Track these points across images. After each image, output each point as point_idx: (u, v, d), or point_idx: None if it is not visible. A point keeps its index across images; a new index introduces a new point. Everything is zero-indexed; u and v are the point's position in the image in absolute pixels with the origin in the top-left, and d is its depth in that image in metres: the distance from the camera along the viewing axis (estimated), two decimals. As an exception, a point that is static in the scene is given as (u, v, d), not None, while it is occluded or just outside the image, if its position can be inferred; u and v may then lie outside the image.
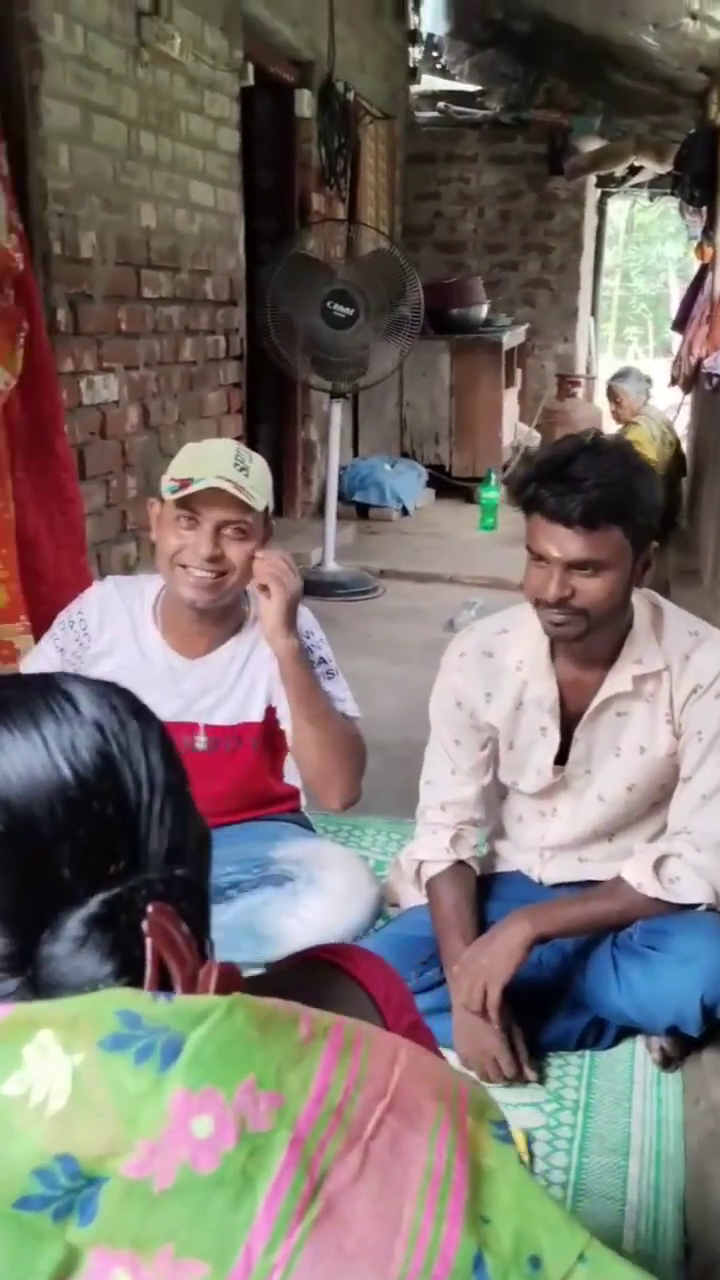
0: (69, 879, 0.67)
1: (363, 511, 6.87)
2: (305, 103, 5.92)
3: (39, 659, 2.11)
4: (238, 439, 5.53)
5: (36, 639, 3.13)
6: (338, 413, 5.55)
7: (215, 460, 1.88)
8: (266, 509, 1.94)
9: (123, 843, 0.69)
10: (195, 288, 4.79)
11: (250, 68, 5.07)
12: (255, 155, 5.60)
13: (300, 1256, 0.63)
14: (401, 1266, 0.65)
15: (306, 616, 2.07)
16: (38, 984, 0.67)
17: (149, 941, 0.67)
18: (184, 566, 1.89)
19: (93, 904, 0.67)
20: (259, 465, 1.93)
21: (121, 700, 0.76)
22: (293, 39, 5.67)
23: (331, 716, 1.96)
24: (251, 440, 5.85)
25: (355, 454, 7.44)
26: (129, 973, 0.68)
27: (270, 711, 2.05)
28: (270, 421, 6.44)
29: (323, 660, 2.04)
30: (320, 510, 5.84)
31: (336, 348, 5.06)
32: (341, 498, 6.01)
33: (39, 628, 3.14)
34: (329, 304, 4.89)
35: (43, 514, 3.31)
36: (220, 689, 2.03)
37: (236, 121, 5.06)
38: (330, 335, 4.99)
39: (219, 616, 2.01)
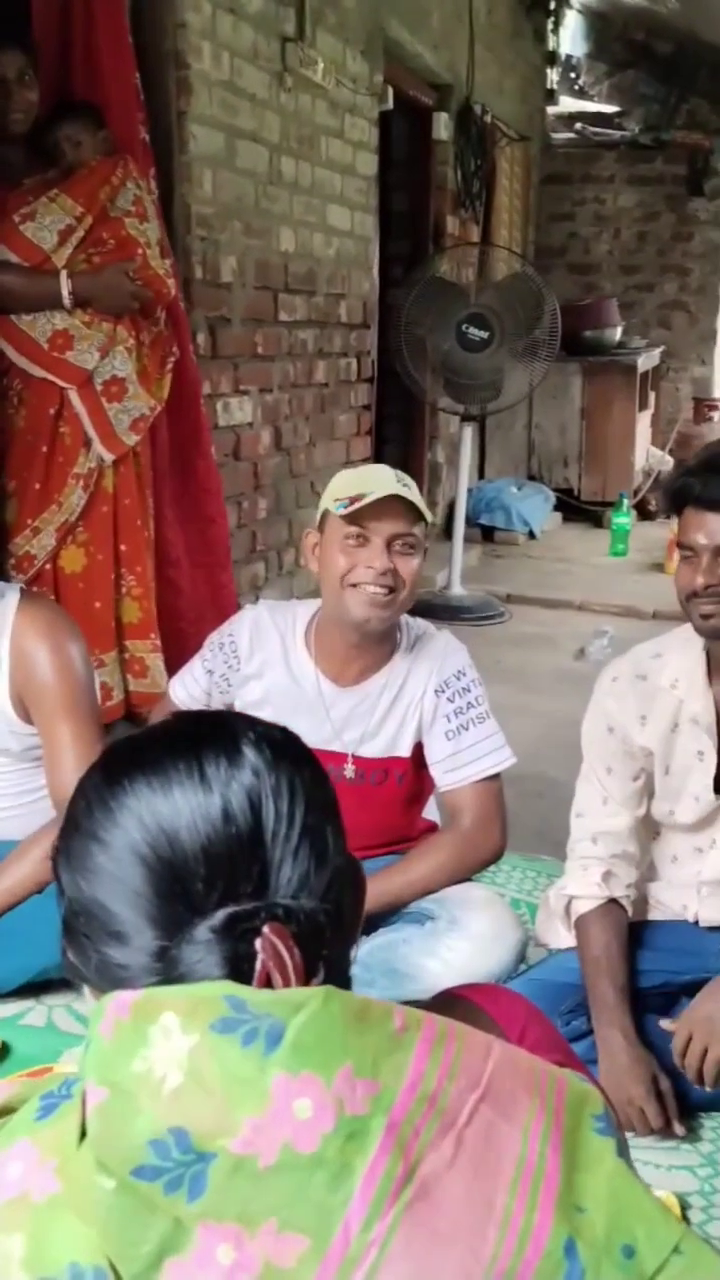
0: (201, 891, 0.75)
1: (488, 534, 6.81)
2: (443, 125, 5.91)
3: (187, 679, 2.12)
4: (365, 460, 5.53)
5: (166, 657, 3.17)
6: (468, 436, 5.50)
7: (380, 478, 1.90)
8: (424, 527, 1.94)
9: (254, 869, 0.76)
10: (330, 311, 4.81)
11: (390, 91, 5.08)
12: (390, 178, 5.61)
13: (395, 1236, 0.67)
14: (494, 1248, 0.68)
15: (462, 655, 2.03)
16: (169, 980, 0.74)
17: (260, 958, 0.73)
18: (355, 585, 1.89)
19: (219, 916, 0.74)
20: (410, 482, 1.95)
21: (279, 746, 0.82)
22: (432, 62, 5.66)
23: (432, 872, 2.01)
24: (378, 461, 5.84)
25: (481, 476, 7.38)
26: (239, 983, 0.74)
27: (419, 748, 2.01)
28: (397, 443, 6.42)
29: (472, 704, 2.00)
30: (446, 533, 5.79)
31: (470, 371, 5.02)
32: (467, 520, 5.96)
33: (175, 645, 3.18)
34: (464, 327, 4.85)
35: (184, 533, 3.35)
36: (370, 719, 2.01)
37: (375, 145, 5.07)
38: (464, 358, 4.95)
39: (376, 640, 1.99)
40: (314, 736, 2.02)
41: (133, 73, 3.15)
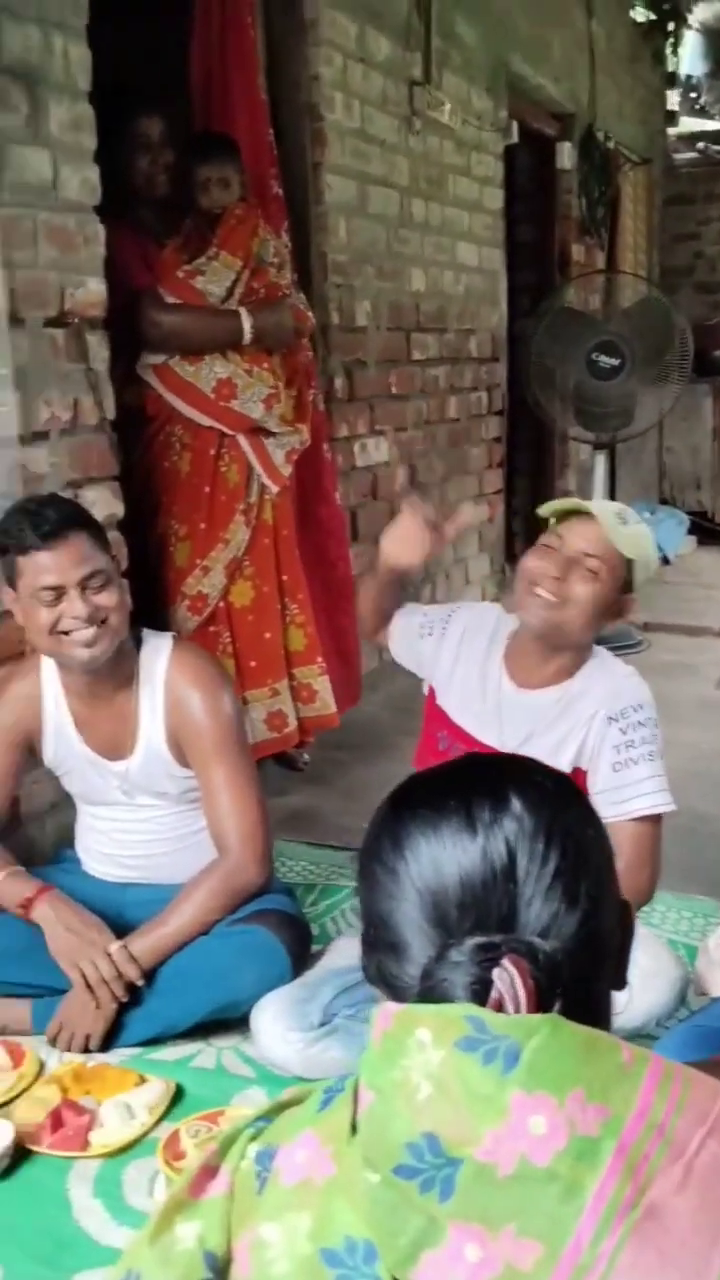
0: (456, 919, 0.83)
1: (622, 561, 6.71)
2: (566, 155, 5.91)
3: (418, 614, 2.24)
4: (497, 492, 5.54)
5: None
6: (601, 464, 5.45)
7: (600, 505, 1.99)
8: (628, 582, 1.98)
9: (504, 905, 0.83)
10: (460, 346, 4.84)
11: (514, 125, 5.11)
12: (516, 210, 5.62)
13: (623, 1252, 0.72)
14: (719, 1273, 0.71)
15: (644, 691, 2.01)
16: (426, 996, 0.81)
17: (496, 986, 0.79)
18: (531, 585, 1.95)
19: (468, 944, 0.81)
20: (642, 529, 1.99)
21: (546, 794, 0.89)
22: (555, 93, 5.68)
23: None
24: (509, 491, 5.84)
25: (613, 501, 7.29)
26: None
27: (578, 774, 2.00)
28: (527, 473, 6.41)
29: (645, 740, 1.99)
30: (580, 562, 5.75)
31: (601, 399, 4.98)
32: (602, 548, 5.90)
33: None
34: (594, 355, 4.81)
35: (315, 574, 3.39)
36: (535, 725, 2.03)
37: (500, 179, 5.10)
38: (595, 387, 4.91)
39: (559, 649, 2.02)
40: (478, 726, 2.10)
41: (267, 128, 3.25)
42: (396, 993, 0.85)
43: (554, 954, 0.82)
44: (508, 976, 0.79)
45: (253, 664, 3.11)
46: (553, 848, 0.85)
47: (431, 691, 2.21)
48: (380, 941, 0.88)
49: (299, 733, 3.23)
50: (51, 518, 1.96)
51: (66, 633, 1.99)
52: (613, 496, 7.28)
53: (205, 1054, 2.09)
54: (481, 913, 0.83)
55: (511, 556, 5.99)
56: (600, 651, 2.09)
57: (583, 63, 6.01)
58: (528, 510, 6.59)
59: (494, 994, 0.79)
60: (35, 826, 2.53)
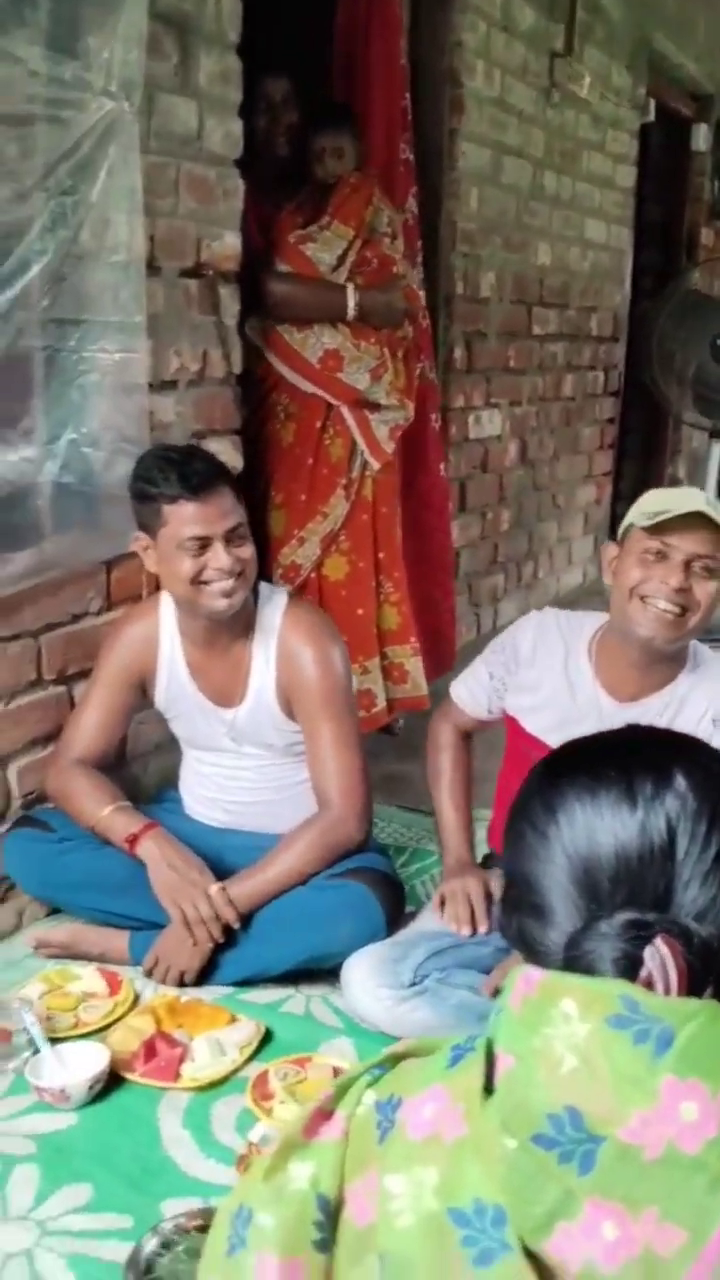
0: (608, 891, 0.82)
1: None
2: (701, 137, 5.80)
3: (469, 680, 2.16)
4: (606, 474, 5.47)
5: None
6: (715, 453, 5.35)
7: (691, 497, 1.86)
8: None
9: (660, 884, 0.82)
10: (581, 324, 4.78)
11: (651, 104, 5.02)
12: (645, 189, 5.53)
13: None
14: None
15: None
16: (569, 964, 0.82)
17: (646, 964, 0.78)
18: (644, 599, 1.85)
19: (619, 918, 0.81)
20: None
21: (713, 781, 0.86)
22: (695, 73, 5.56)
23: None
24: (617, 475, 5.77)
25: (721, 494, 7.16)
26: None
27: None
28: (636, 457, 6.32)
29: None
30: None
31: (722, 386, 4.88)
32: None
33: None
34: (719, 341, 4.72)
35: (411, 544, 3.38)
36: None
37: (634, 157, 5.02)
38: (717, 373, 4.82)
39: (661, 660, 1.94)
40: None
41: (403, 93, 3.23)
42: (536, 957, 0.86)
43: (710, 939, 0.80)
44: (659, 956, 0.78)
45: (344, 639, 3.10)
46: (715, 831, 0.83)
47: (511, 720, 2.12)
48: (523, 903, 0.88)
49: (387, 712, 3.22)
50: (200, 470, 1.98)
51: (207, 583, 2.03)
52: (722, 488, 7.15)
53: (295, 1000, 2.12)
54: (635, 888, 0.82)
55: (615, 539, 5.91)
56: (697, 648, 2.01)
57: (726, 41, 5.87)
58: (634, 494, 6.48)
59: (643, 973, 0.78)
60: (139, 766, 2.58)
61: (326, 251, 2.98)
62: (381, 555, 3.16)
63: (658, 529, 1.82)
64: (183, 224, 2.48)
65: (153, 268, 2.39)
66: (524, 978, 0.81)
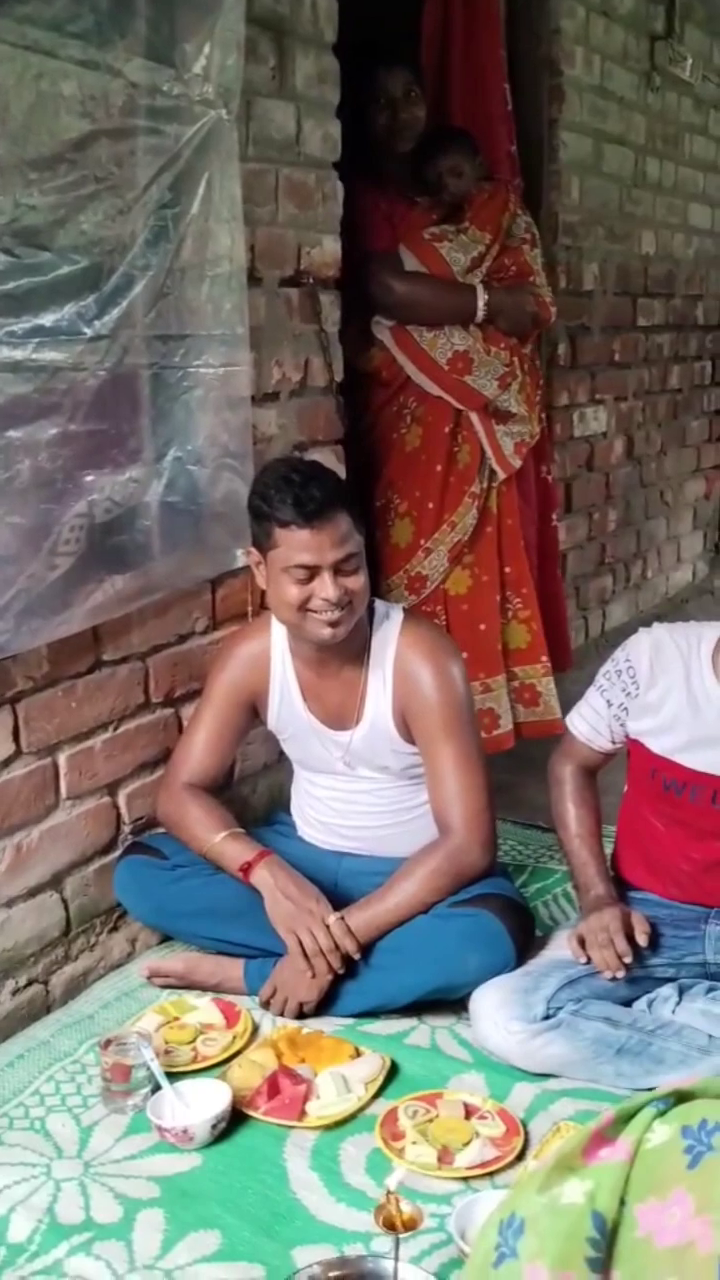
0: None
1: None
2: None
3: (585, 711, 2.05)
4: (715, 467, 5.30)
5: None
6: None
7: None
8: None
9: None
10: (686, 313, 4.63)
11: (756, 81, 4.83)
12: (749, 171, 5.34)
13: None
14: None
15: None
16: None
17: None
18: None
19: None
20: None
21: None
22: None
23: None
24: (722, 468, 5.59)
25: None
26: None
27: None
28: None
29: None
30: None
31: None
32: None
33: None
34: None
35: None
36: None
37: (738, 139, 4.84)
38: None
39: None
40: None
41: (504, 85, 3.13)
42: None
43: None
44: None
45: (464, 655, 3.01)
46: None
47: (635, 744, 2.01)
48: None
49: (514, 735, 3.09)
50: (317, 497, 1.91)
51: (313, 611, 1.96)
52: None
53: (419, 1032, 2.04)
54: None
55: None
56: None
57: None
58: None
59: None
60: (247, 787, 2.53)
61: (461, 252, 2.90)
62: (508, 570, 3.04)
63: None
64: (282, 231, 2.43)
65: (253, 278, 2.34)
66: None
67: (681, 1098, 0.91)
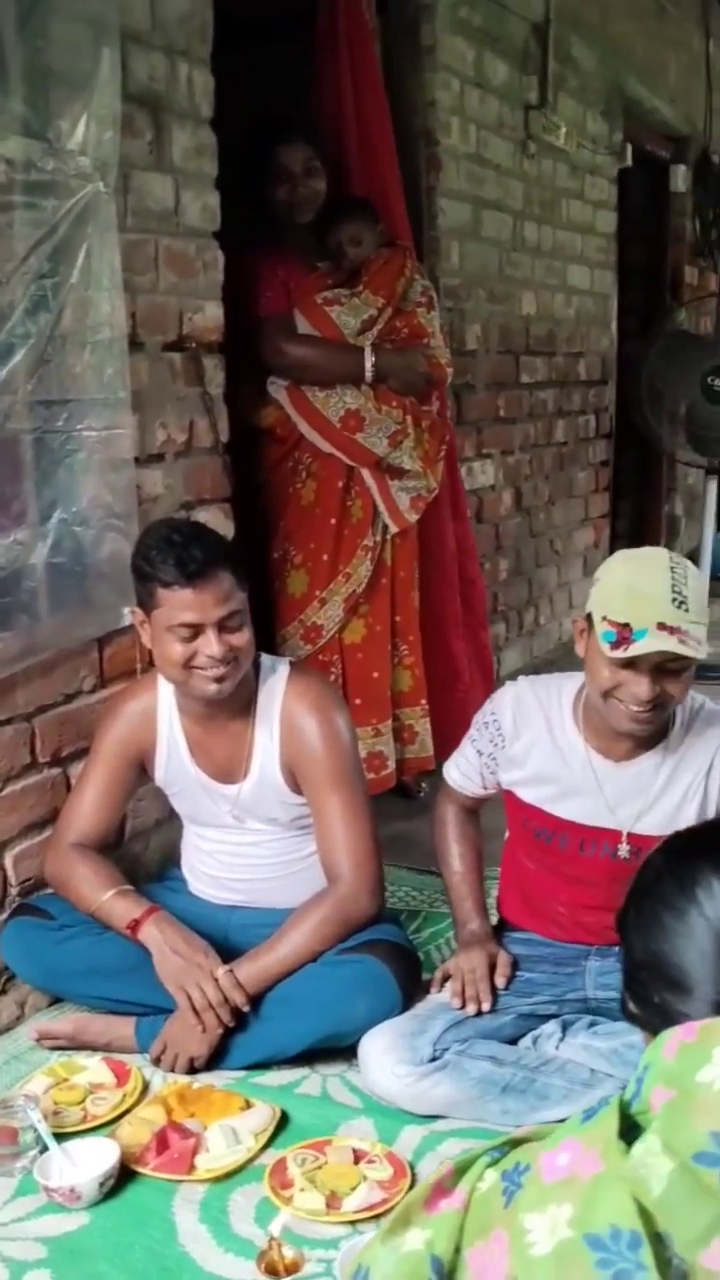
0: (716, 976, 0.93)
1: (729, 589, 6.57)
2: (680, 177, 5.84)
3: (460, 760, 2.12)
4: (603, 516, 5.46)
5: (445, 722, 3.21)
6: (713, 490, 5.34)
7: (652, 602, 1.74)
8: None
9: None
10: (569, 369, 4.80)
11: (629, 148, 5.06)
12: (627, 231, 5.55)
13: None
14: None
15: None
16: None
17: None
18: (620, 702, 1.83)
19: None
20: (694, 584, 1.78)
21: None
22: (670, 116, 5.61)
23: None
24: (614, 515, 5.76)
25: (720, 528, 7.15)
26: None
27: None
28: (632, 495, 6.31)
29: None
30: (687, 588, 5.63)
31: (715, 423, 4.87)
32: (710, 576, 5.77)
33: (455, 710, 3.22)
34: (710, 379, 4.72)
35: (448, 596, 3.40)
36: (646, 796, 1.95)
37: (614, 203, 5.06)
38: (709, 411, 4.82)
39: None
40: (587, 814, 1.98)
41: (394, 154, 3.26)
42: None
43: None
44: None
45: (358, 701, 3.10)
46: None
47: (508, 793, 2.08)
48: (660, 980, 0.95)
49: (396, 774, 3.21)
50: (198, 557, 1.95)
51: (198, 668, 2.00)
52: (720, 522, 7.13)
53: (310, 1080, 2.07)
54: None
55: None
56: (689, 696, 1.96)
57: (699, 85, 5.93)
58: (631, 534, 6.49)
59: None
60: (139, 843, 2.54)
61: (352, 316, 3.00)
62: (398, 618, 3.17)
63: (620, 629, 1.76)
64: (164, 299, 2.49)
65: (135, 343, 2.40)
66: (682, 1030, 0.88)
67: (515, 1144, 0.98)
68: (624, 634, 1.76)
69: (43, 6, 2.09)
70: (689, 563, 1.84)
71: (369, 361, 2.98)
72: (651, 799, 1.96)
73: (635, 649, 1.75)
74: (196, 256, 2.57)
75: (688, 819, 1.94)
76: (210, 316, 2.63)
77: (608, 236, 5.03)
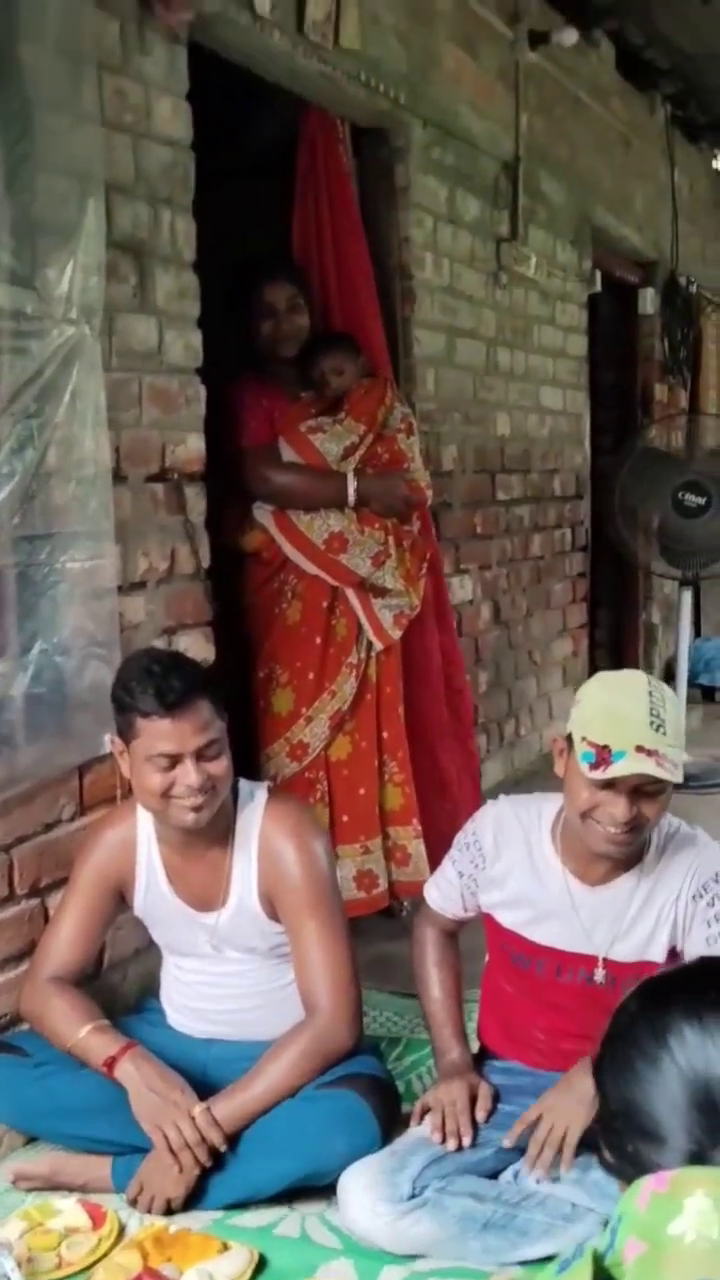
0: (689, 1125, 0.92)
1: (709, 694, 6.63)
2: (649, 300, 6.05)
3: (440, 881, 2.13)
4: (580, 627, 5.54)
5: (427, 840, 3.21)
6: (687, 600, 5.43)
7: (631, 725, 1.79)
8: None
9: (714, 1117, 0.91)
10: (544, 486, 4.91)
11: (598, 275, 5.25)
12: (598, 352, 5.74)
13: None
14: None
15: (717, 854, 1.96)
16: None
17: None
18: (598, 823, 1.85)
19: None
20: (672, 708, 1.83)
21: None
22: (637, 243, 5.83)
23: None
24: (592, 623, 5.84)
25: (698, 634, 7.24)
26: None
27: (673, 954, 1.95)
28: (610, 605, 6.41)
29: None
30: (665, 696, 5.69)
31: (687, 537, 4.99)
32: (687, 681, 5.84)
33: (445, 821, 3.23)
34: (680, 494, 4.85)
35: (435, 708, 3.44)
36: (621, 921, 1.96)
37: (584, 327, 5.23)
38: (681, 525, 4.94)
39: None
40: (563, 938, 1.99)
41: (373, 288, 3.41)
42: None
43: None
44: None
45: (345, 819, 3.11)
46: None
47: (488, 916, 2.09)
48: (633, 1129, 0.94)
49: (388, 895, 3.20)
50: (177, 687, 1.98)
51: (175, 797, 2.02)
52: (698, 631, 7.24)
53: (289, 1220, 2.03)
54: (703, 1121, 0.90)
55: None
56: (664, 819, 1.99)
57: (665, 212, 6.18)
58: (612, 643, 6.58)
59: None
60: (117, 974, 2.52)
61: (335, 443, 3.10)
62: (385, 734, 3.20)
63: (598, 752, 1.79)
64: (147, 433, 2.56)
65: (119, 476, 2.46)
66: (654, 1180, 0.88)
67: None
68: (603, 755, 1.79)
69: (30, 162, 2.20)
70: (666, 687, 1.89)
71: (351, 486, 3.07)
72: (626, 924, 1.97)
73: (614, 770, 1.78)
74: (179, 392, 2.65)
75: (660, 946, 1.95)
76: (192, 448, 2.70)
77: (579, 359, 5.19)
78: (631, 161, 5.73)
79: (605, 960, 1.98)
